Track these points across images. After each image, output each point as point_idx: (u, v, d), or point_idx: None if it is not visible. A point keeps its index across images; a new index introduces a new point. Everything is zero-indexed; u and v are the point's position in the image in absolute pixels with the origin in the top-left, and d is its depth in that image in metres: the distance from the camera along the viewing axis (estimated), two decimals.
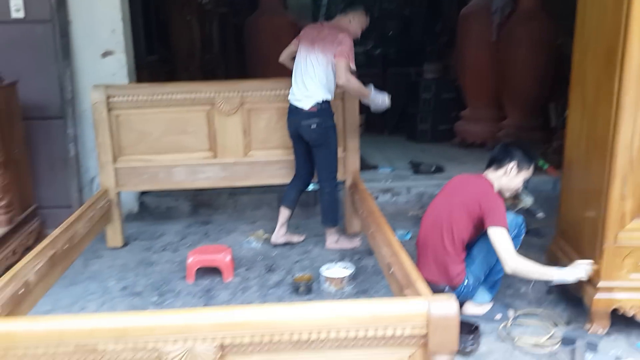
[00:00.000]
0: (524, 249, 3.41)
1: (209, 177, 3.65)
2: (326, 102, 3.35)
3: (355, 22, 3.40)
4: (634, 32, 2.19)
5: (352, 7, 3.42)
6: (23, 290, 2.19)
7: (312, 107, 3.32)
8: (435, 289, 2.71)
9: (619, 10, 2.24)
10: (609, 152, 2.37)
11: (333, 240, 3.65)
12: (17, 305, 2.14)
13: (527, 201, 3.06)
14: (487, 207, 2.62)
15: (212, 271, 3.26)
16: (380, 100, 3.50)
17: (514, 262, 2.54)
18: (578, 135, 2.74)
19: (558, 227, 3.07)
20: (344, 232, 3.90)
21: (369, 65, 7.57)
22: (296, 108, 3.35)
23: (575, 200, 2.81)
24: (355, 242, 3.68)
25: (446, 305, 1.72)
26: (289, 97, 3.41)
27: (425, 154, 5.60)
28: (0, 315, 1.99)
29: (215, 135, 3.59)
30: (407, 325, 1.72)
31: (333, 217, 3.63)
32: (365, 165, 5.01)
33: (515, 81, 5.08)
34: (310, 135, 3.36)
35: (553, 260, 3.04)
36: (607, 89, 2.36)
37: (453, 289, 2.74)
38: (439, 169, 4.94)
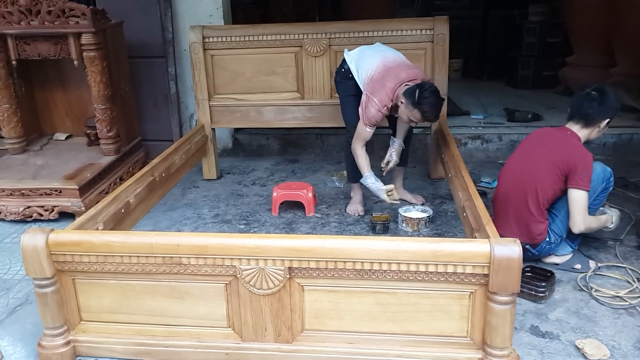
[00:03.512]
0: (618, 203, 3.28)
1: (296, 117, 3.77)
2: (349, 70, 3.18)
3: (403, 106, 2.95)
4: None
5: (410, 95, 2.90)
6: (124, 210, 2.46)
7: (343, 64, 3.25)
8: None
9: None
10: None
11: (351, 201, 3.44)
12: (119, 223, 2.42)
13: None
14: (575, 165, 2.50)
15: (295, 206, 3.43)
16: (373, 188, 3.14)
17: (584, 225, 2.54)
18: None
19: None
20: (428, 176, 3.92)
21: (470, 7, 7.22)
22: None
23: None
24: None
25: (509, 248, 1.75)
26: None
27: (525, 100, 5.35)
28: (104, 230, 2.26)
29: (303, 76, 3.67)
30: (468, 263, 1.77)
31: (348, 173, 3.44)
32: (456, 111, 4.90)
33: (629, 25, 4.65)
34: None
35: None
36: None
37: (534, 247, 2.69)
38: (537, 117, 4.71)
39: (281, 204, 3.41)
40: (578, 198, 2.50)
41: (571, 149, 2.56)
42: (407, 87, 2.95)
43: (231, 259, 1.85)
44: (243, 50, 3.67)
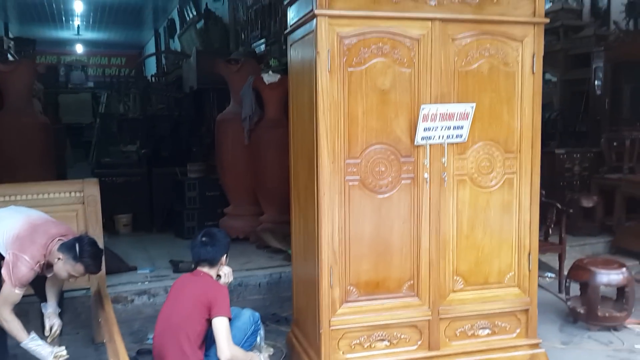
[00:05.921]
0: (272, 338, 3.62)
1: None
2: None
3: (62, 262, 2.83)
4: (322, 146, 2.63)
5: (70, 250, 2.83)
6: None
7: None
8: None
9: (312, 127, 2.67)
10: (317, 246, 2.71)
11: None
12: None
13: None
14: (213, 299, 2.79)
15: None
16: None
17: (229, 352, 2.74)
18: (298, 231, 3.09)
19: (293, 316, 3.33)
20: (92, 341, 3.68)
21: (136, 165, 7.53)
22: None
23: (301, 290, 3.11)
24: None
25: None
26: None
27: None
28: None
29: None
30: None
31: None
32: (123, 267, 4.85)
33: (267, 180, 5.51)
34: None
35: (290, 346, 3.26)
36: (310, 191, 2.75)
37: None
38: None
39: None
40: (220, 326, 2.75)
41: (208, 286, 2.88)
42: (62, 242, 2.88)
43: None
44: None
